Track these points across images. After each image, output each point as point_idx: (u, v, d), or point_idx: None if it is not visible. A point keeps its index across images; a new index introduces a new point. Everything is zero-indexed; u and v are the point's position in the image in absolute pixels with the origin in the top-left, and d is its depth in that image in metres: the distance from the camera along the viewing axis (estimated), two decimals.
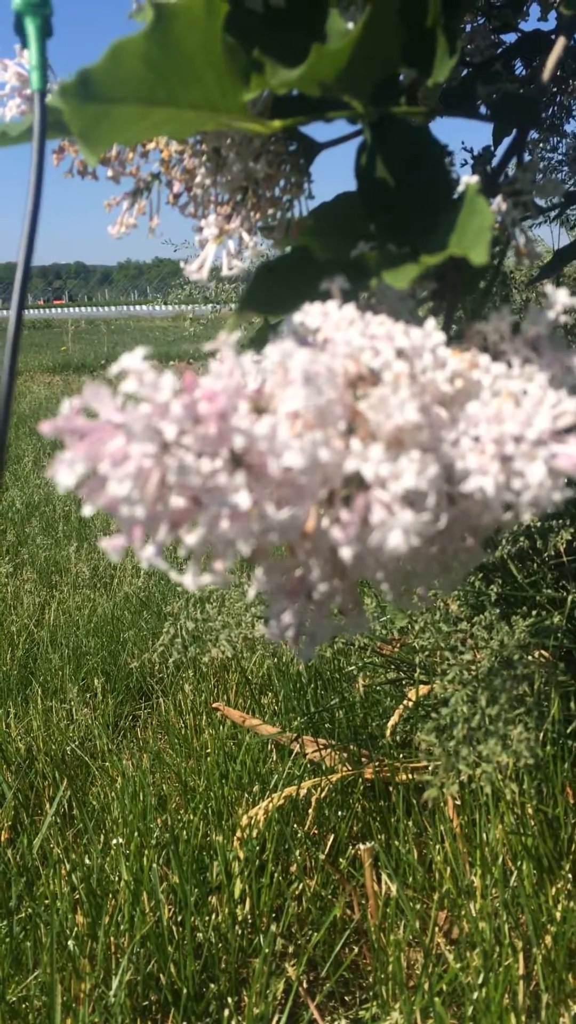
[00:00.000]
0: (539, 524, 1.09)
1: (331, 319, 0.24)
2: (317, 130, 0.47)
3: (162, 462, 0.21)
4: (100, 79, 0.28)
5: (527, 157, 0.47)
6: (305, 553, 0.24)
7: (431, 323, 0.24)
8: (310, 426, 0.22)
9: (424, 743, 0.94)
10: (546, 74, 0.44)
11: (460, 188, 0.33)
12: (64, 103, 0.28)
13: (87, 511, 0.21)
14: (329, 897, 1.02)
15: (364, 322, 0.24)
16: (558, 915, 0.92)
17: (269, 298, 0.31)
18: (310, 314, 0.24)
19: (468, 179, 0.30)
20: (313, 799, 1.13)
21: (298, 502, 0.22)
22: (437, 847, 1.03)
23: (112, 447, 0.21)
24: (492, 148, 0.54)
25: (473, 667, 0.97)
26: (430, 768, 0.97)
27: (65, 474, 0.21)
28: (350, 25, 0.33)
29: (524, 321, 0.27)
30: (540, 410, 0.23)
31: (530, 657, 0.99)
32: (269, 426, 0.21)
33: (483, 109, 0.49)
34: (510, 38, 0.75)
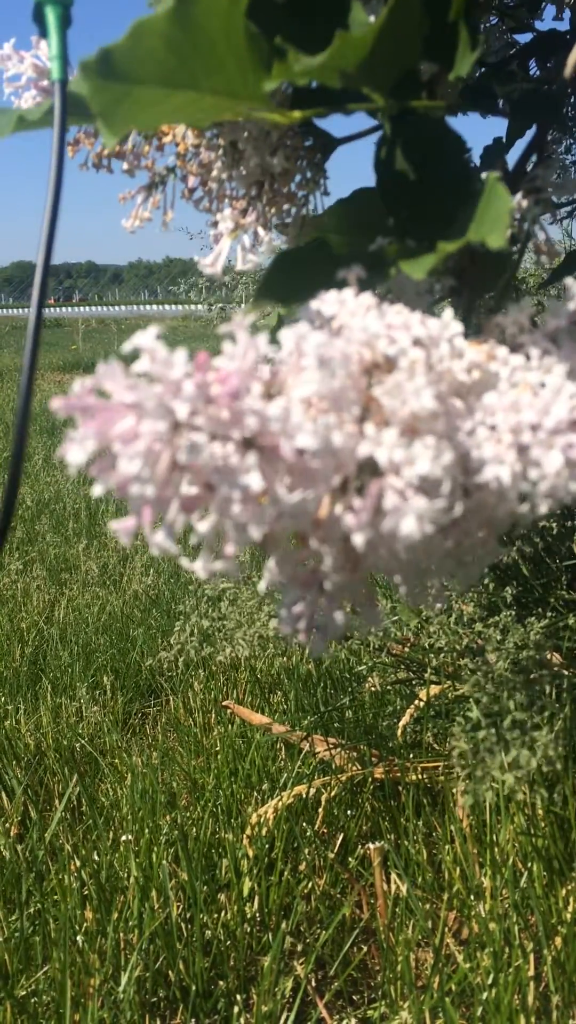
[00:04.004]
0: (554, 526, 1.09)
1: (347, 306, 0.24)
2: (333, 127, 0.47)
3: (173, 442, 0.21)
4: (121, 58, 0.28)
5: (547, 155, 0.47)
6: (318, 541, 0.24)
7: (449, 313, 0.24)
8: (323, 411, 0.22)
9: (456, 748, 0.94)
10: (568, 70, 0.44)
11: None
12: (85, 80, 0.28)
13: (97, 490, 0.21)
14: (338, 896, 1.02)
15: (381, 311, 0.24)
16: (568, 916, 0.91)
17: (286, 287, 0.30)
18: (326, 301, 0.24)
19: (491, 174, 0.30)
20: (323, 798, 1.13)
21: (310, 486, 0.22)
22: (447, 847, 1.03)
23: (123, 425, 0.21)
24: (503, 141, 0.53)
25: (492, 671, 0.96)
26: (448, 771, 0.96)
27: (75, 452, 0.21)
28: (372, 19, 0.33)
29: (543, 315, 0.26)
30: (558, 400, 0.23)
31: (547, 658, 0.99)
32: (282, 408, 0.21)
33: (502, 105, 0.48)
34: (524, 38, 0.75)
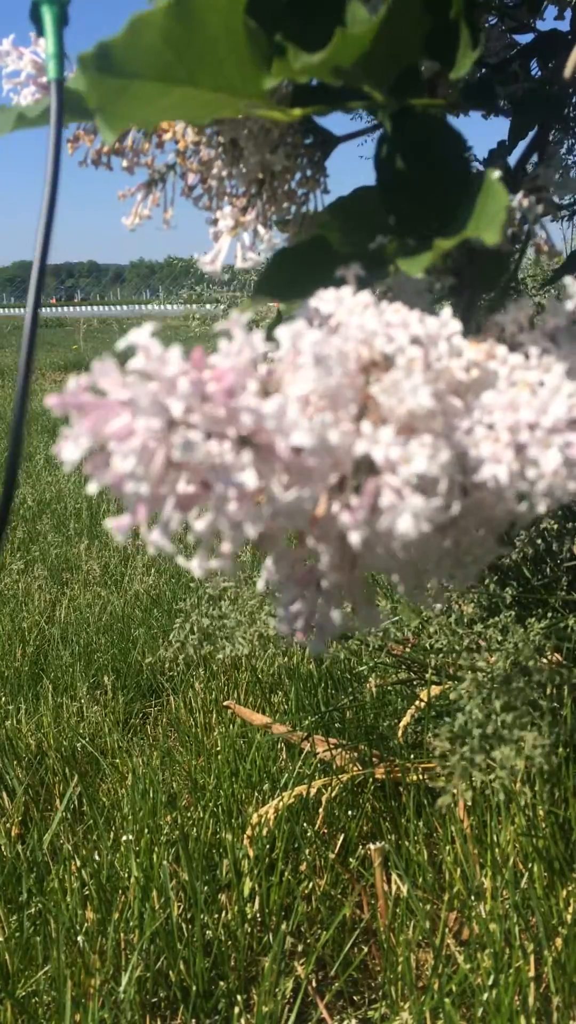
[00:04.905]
0: (555, 527, 1.09)
1: (345, 304, 0.24)
2: (334, 125, 0.46)
3: (168, 439, 0.21)
4: (119, 52, 0.28)
5: (548, 154, 0.47)
6: (315, 540, 0.23)
7: (447, 312, 0.24)
8: (320, 408, 0.22)
9: (439, 748, 0.94)
10: (568, 71, 0.44)
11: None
12: (82, 73, 0.28)
13: (92, 488, 0.21)
14: (339, 896, 1.02)
15: (379, 309, 0.24)
16: (569, 917, 0.91)
17: (284, 284, 0.30)
18: (324, 299, 0.24)
19: (490, 171, 0.30)
20: (323, 798, 1.13)
21: (306, 484, 0.22)
22: (447, 848, 1.02)
23: (118, 423, 0.21)
24: (507, 142, 0.53)
25: (488, 671, 0.96)
26: (443, 772, 0.96)
27: (70, 449, 0.21)
28: (373, 17, 0.33)
29: (543, 314, 0.26)
30: (556, 398, 0.23)
31: (544, 660, 0.99)
32: (278, 405, 0.21)
33: (504, 105, 0.48)
34: (524, 39, 0.74)
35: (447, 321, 0.23)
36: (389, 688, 1.33)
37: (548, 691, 0.99)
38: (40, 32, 0.39)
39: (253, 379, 0.21)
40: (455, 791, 0.93)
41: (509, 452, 0.22)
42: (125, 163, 0.51)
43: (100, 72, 0.28)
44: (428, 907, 0.97)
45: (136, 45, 0.28)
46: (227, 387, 0.21)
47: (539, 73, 0.79)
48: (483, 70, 0.69)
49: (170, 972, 0.91)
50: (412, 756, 1.19)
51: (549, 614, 1.04)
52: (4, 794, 1.26)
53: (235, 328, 0.22)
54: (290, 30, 0.29)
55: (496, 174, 0.29)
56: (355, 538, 0.21)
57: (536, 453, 0.22)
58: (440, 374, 0.22)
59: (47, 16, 0.37)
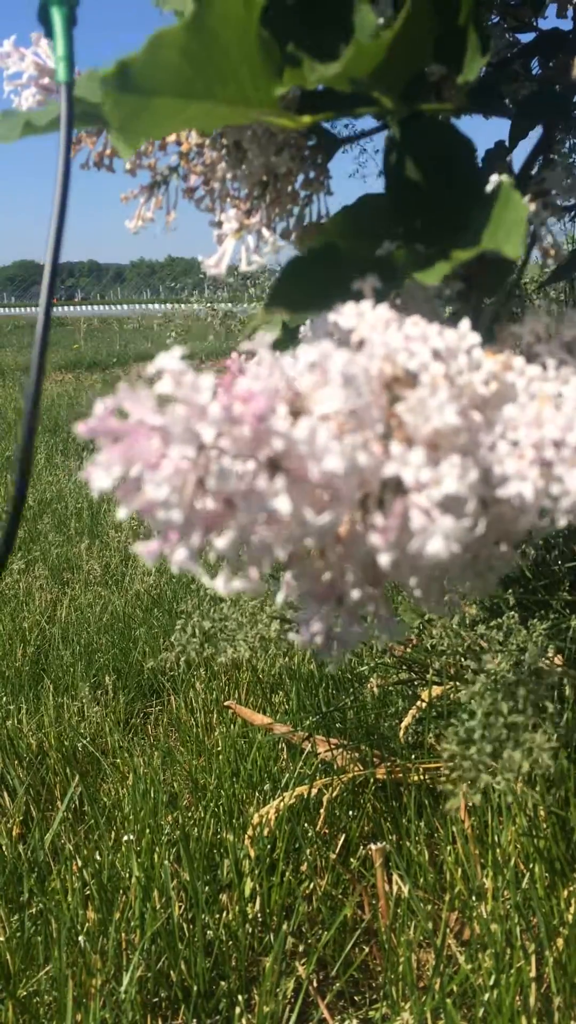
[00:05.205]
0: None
1: (367, 320, 0.24)
2: (334, 126, 0.46)
3: (198, 465, 0.21)
4: (139, 71, 0.28)
5: (554, 156, 0.47)
6: (338, 558, 0.23)
7: (465, 324, 0.24)
8: (346, 429, 0.22)
9: (447, 751, 0.94)
10: (575, 71, 0.44)
11: (489, 186, 0.33)
12: (105, 95, 0.28)
13: (122, 514, 0.21)
14: (340, 897, 1.02)
15: (399, 323, 0.24)
16: (570, 918, 0.91)
17: (297, 296, 0.30)
18: (344, 314, 0.24)
19: (500, 176, 0.30)
20: (324, 799, 1.13)
21: (336, 506, 0.22)
22: (449, 848, 1.03)
23: (149, 449, 0.21)
24: (506, 143, 0.53)
25: (493, 673, 0.96)
26: (447, 773, 0.96)
27: (101, 477, 0.21)
28: (380, 21, 0.33)
29: (560, 324, 0.26)
30: None
31: (546, 661, 0.99)
32: (308, 429, 0.21)
33: (509, 105, 0.48)
34: (525, 37, 0.74)
35: (465, 333, 0.23)
36: (390, 688, 1.33)
37: (555, 693, 1.00)
38: (48, 33, 0.39)
39: (283, 402, 0.21)
40: (463, 793, 0.93)
41: (535, 470, 0.22)
42: (128, 165, 0.51)
43: (121, 91, 0.28)
44: (429, 907, 0.97)
45: (155, 63, 0.28)
46: (258, 412, 0.21)
47: (540, 72, 0.79)
48: (484, 70, 0.69)
49: (171, 972, 0.91)
50: (413, 756, 1.19)
51: (551, 615, 1.04)
52: (5, 794, 1.26)
53: (263, 350, 0.21)
54: (302, 39, 0.29)
55: (511, 182, 0.29)
56: (385, 560, 0.21)
57: (562, 471, 0.22)
58: (463, 389, 0.22)
59: (57, 17, 0.37)
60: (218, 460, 0.20)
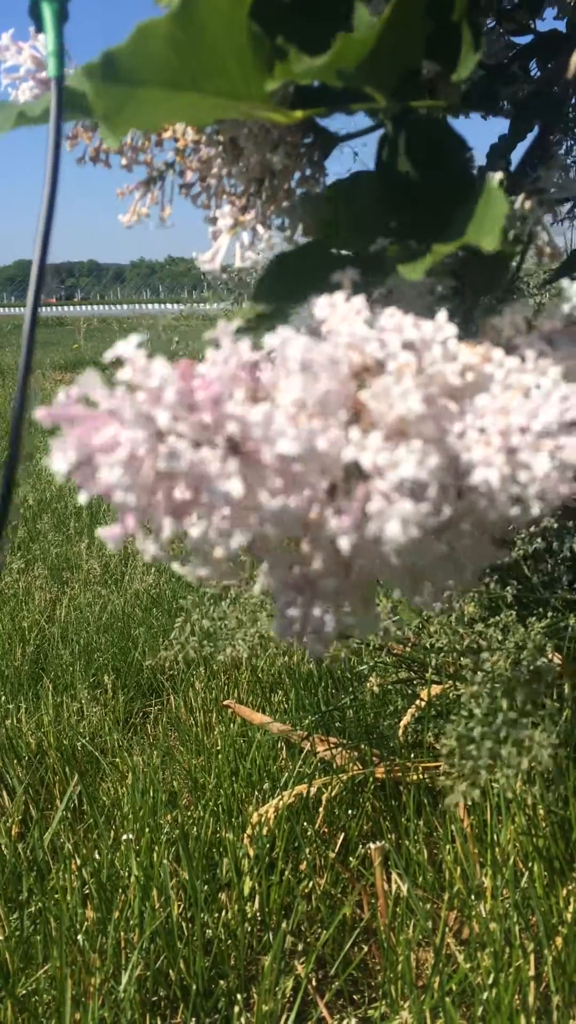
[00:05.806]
0: (555, 526, 1.09)
1: (338, 311, 0.24)
2: (332, 124, 0.47)
3: (156, 449, 0.21)
4: (125, 61, 0.28)
5: (549, 156, 0.47)
6: (308, 546, 0.24)
7: (443, 315, 0.24)
8: (310, 416, 0.22)
9: (446, 747, 0.94)
10: (570, 72, 0.44)
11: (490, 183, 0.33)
12: (89, 84, 0.28)
13: (82, 498, 0.22)
14: (339, 896, 1.02)
15: (373, 314, 0.24)
16: (569, 917, 0.91)
17: (281, 289, 0.30)
18: (317, 306, 0.24)
19: (490, 176, 0.30)
20: (323, 798, 1.13)
21: (295, 492, 0.22)
22: (448, 847, 1.03)
23: (104, 434, 0.21)
24: (508, 139, 0.53)
25: (490, 672, 0.96)
26: (450, 772, 0.96)
27: (58, 460, 0.21)
28: (375, 19, 0.33)
29: (540, 316, 0.26)
30: (549, 402, 0.23)
31: (545, 659, 0.99)
32: (263, 413, 0.21)
33: (505, 106, 0.48)
34: (522, 40, 0.74)
35: (442, 325, 0.23)
36: (389, 687, 1.33)
37: (553, 691, 1.00)
38: (39, 28, 0.39)
39: (240, 387, 0.22)
40: (462, 791, 0.93)
41: (500, 456, 0.22)
42: (124, 161, 0.51)
43: (106, 81, 0.28)
44: (428, 906, 0.97)
45: (141, 52, 0.28)
46: (213, 396, 0.21)
47: (538, 74, 0.79)
48: (482, 72, 0.69)
49: (170, 971, 0.91)
50: (412, 755, 1.19)
51: (550, 613, 1.04)
52: (4, 793, 1.26)
53: (223, 336, 0.22)
54: (292, 33, 0.29)
55: (496, 179, 0.29)
56: (344, 544, 0.22)
57: (527, 457, 0.22)
58: (433, 378, 0.22)
59: (47, 12, 0.37)
60: (170, 443, 0.20)
